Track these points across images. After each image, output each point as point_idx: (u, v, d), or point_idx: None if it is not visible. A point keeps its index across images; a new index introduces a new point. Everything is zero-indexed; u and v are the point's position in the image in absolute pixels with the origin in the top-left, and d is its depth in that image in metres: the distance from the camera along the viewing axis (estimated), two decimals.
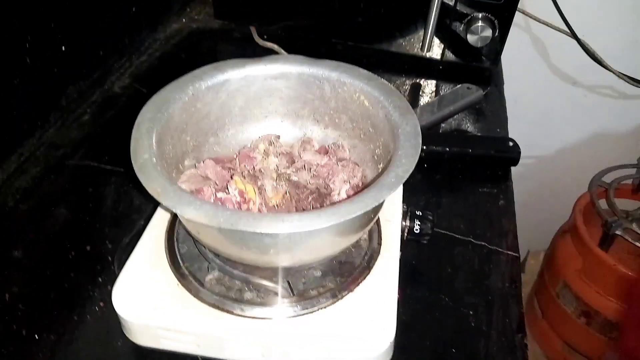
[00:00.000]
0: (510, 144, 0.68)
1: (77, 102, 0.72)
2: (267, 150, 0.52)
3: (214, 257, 0.46)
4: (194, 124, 0.49)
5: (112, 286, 0.44)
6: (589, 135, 1.29)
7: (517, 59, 1.00)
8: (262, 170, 0.50)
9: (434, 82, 0.85)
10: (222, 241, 0.41)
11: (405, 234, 0.52)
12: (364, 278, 0.46)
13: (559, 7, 0.87)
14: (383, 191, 0.38)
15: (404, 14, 0.85)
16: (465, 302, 0.51)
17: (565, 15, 0.89)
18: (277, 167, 0.51)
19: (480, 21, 0.78)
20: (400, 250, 0.49)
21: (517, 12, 0.78)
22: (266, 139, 0.53)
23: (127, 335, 0.45)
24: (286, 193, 0.48)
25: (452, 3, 0.79)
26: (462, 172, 0.67)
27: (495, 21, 0.78)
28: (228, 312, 0.43)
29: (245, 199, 0.45)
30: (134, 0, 0.81)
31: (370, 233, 0.49)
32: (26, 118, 0.64)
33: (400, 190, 0.54)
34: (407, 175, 0.40)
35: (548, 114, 1.28)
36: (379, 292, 0.45)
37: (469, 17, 0.79)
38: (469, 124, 0.76)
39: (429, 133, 0.71)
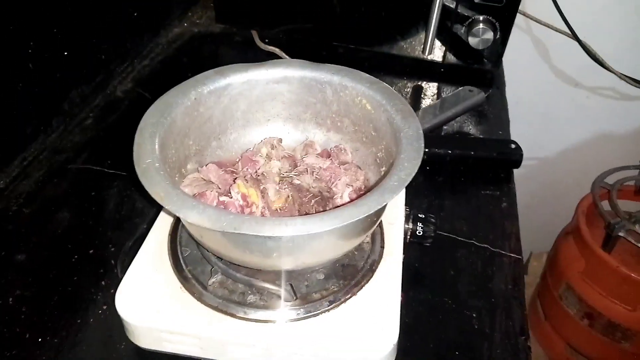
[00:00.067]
0: (513, 146, 0.68)
1: (80, 106, 0.72)
2: (269, 154, 0.52)
3: (217, 260, 0.46)
4: (197, 128, 0.49)
5: (115, 289, 0.45)
6: (591, 136, 1.29)
7: (519, 61, 1.00)
8: (265, 174, 0.50)
9: (435, 84, 0.85)
10: (225, 245, 0.41)
11: (408, 237, 0.52)
12: (367, 281, 0.46)
13: (560, 9, 0.87)
14: (386, 194, 0.38)
15: (405, 17, 0.85)
16: (468, 304, 0.51)
17: (566, 17, 0.89)
18: (280, 170, 0.51)
19: (481, 23, 0.78)
20: (403, 253, 0.49)
21: (518, 14, 0.78)
22: (268, 142, 0.53)
23: (130, 338, 0.45)
24: (289, 196, 0.48)
25: (453, 6, 0.79)
26: (465, 175, 0.67)
27: (497, 23, 0.78)
28: (231, 315, 0.43)
29: (248, 202, 0.45)
30: (135, 4, 0.81)
31: (373, 236, 0.50)
32: (29, 122, 0.65)
33: (402, 193, 0.54)
34: (409, 179, 0.40)
35: (550, 115, 1.28)
36: (382, 295, 0.45)
37: (470, 20, 0.79)
38: (470, 127, 0.76)
39: (431, 136, 0.71)
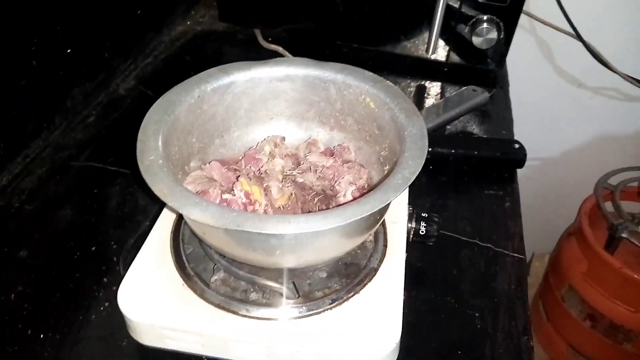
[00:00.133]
0: (516, 146, 0.68)
1: (83, 103, 0.72)
2: (272, 152, 0.52)
3: (220, 257, 0.46)
4: (200, 126, 0.49)
5: (117, 286, 0.45)
6: (595, 137, 1.29)
7: (522, 61, 1.00)
8: (268, 172, 0.50)
9: (439, 84, 0.85)
10: (228, 242, 0.41)
11: (411, 236, 0.52)
12: (370, 280, 0.46)
13: (564, 9, 0.87)
14: (389, 193, 0.38)
15: (409, 16, 0.85)
16: (471, 304, 0.51)
17: (570, 17, 0.89)
18: (283, 168, 0.51)
19: (485, 23, 0.78)
20: (406, 252, 0.49)
21: (522, 14, 0.78)
22: (272, 140, 0.53)
23: (132, 335, 0.45)
24: (292, 194, 0.48)
25: (457, 5, 0.79)
26: (468, 174, 0.67)
27: (501, 23, 0.78)
28: (233, 312, 0.43)
29: (251, 200, 0.45)
30: (138, 2, 0.81)
31: (376, 235, 0.49)
32: (32, 120, 0.65)
33: (406, 192, 0.53)
34: (413, 177, 0.40)
35: (553, 116, 1.27)
36: (385, 294, 0.45)
37: (474, 19, 0.79)
38: (474, 126, 0.76)
39: (435, 135, 0.71)
